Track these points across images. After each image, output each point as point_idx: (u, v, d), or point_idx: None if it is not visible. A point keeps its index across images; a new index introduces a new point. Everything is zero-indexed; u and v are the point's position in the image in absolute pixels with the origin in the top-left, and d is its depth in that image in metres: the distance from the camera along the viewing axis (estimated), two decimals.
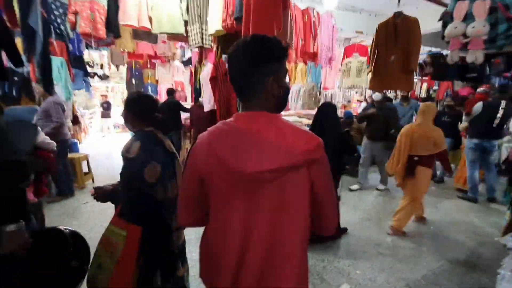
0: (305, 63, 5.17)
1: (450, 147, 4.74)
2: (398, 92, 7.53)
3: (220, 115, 3.91)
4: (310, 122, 5.56)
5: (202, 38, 3.88)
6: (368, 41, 5.99)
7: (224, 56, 3.83)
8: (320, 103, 6.29)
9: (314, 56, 5.13)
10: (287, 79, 0.96)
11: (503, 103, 3.76)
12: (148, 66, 8.34)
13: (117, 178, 1.57)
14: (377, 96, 4.51)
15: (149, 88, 8.34)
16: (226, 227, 0.87)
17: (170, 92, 5.09)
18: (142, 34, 4.49)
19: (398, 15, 3.35)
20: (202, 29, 3.83)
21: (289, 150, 0.80)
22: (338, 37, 5.48)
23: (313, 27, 4.80)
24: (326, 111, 2.95)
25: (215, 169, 0.86)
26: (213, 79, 3.84)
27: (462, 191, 4.34)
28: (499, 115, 3.71)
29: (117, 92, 12.87)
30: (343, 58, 5.59)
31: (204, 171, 0.89)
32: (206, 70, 4.02)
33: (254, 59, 0.85)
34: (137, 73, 8.33)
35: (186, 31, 3.94)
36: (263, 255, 0.83)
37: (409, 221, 3.20)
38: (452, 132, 4.74)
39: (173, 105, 5.00)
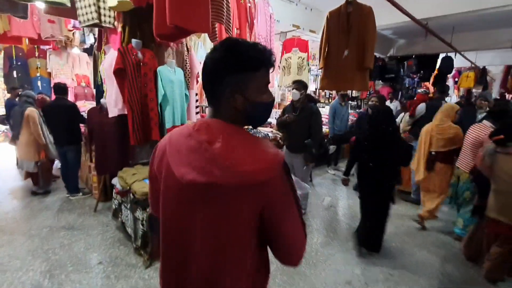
0: None
1: None
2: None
3: (133, 122, 2.83)
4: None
5: (98, 13, 2.71)
6: (304, 36, 5.59)
7: (134, 41, 2.76)
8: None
9: None
10: (266, 93, 0.80)
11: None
12: (36, 54, 6.37)
13: None
14: (295, 95, 3.20)
15: (39, 83, 6.38)
16: (166, 231, 0.86)
17: (60, 89, 3.62)
18: (2, 4, 3.00)
19: (350, 2, 2.86)
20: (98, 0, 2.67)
21: (231, 167, 0.70)
22: (276, 30, 4.89)
23: (249, 14, 4.08)
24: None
25: (165, 171, 0.82)
26: (119, 72, 2.73)
27: (405, 193, 4.28)
28: None
29: None
30: (282, 53, 5.06)
31: (158, 169, 0.87)
32: (108, 60, 2.86)
33: (215, 65, 0.77)
34: (19, 63, 6.27)
35: (74, 1, 2.71)
36: (206, 269, 0.80)
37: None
38: None
39: (64, 108, 3.57)
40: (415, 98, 4.69)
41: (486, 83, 10.39)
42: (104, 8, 2.71)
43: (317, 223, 3.49)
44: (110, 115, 2.99)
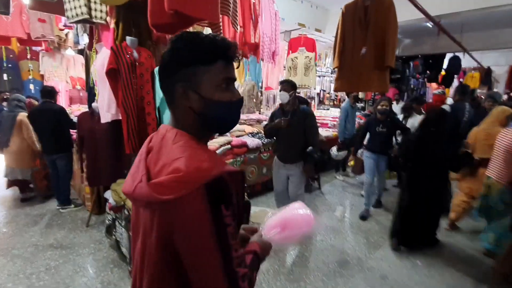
0: (245, 57, 4.13)
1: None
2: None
3: (128, 128, 2.54)
4: (253, 129, 4.63)
5: (88, 8, 2.42)
6: (310, 35, 5.33)
7: (129, 39, 2.47)
8: (263, 104, 5.44)
9: (255, 49, 4.15)
10: (227, 91, 0.71)
11: (467, 106, 3.48)
12: (28, 56, 6.09)
13: None
14: (283, 96, 2.71)
15: (31, 86, 6.10)
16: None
17: (46, 92, 3.30)
18: None
19: None
20: None
21: (144, 178, 0.63)
22: (280, 29, 4.62)
23: (253, 11, 3.80)
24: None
25: None
26: (112, 73, 2.44)
27: None
28: (465, 118, 3.42)
29: None
30: (288, 52, 4.79)
31: None
32: (100, 59, 2.57)
33: (166, 59, 0.70)
34: (10, 65, 5.99)
35: None
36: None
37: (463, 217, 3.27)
38: (387, 146, 3.52)
39: (51, 113, 3.26)
40: (429, 100, 4.41)
41: (490, 83, 10.24)
42: (95, 2, 2.43)
43: (333, 239, 3.19)
44: (103, 120, 2.70)
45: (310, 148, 2.72)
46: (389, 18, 2.53)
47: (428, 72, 8.39)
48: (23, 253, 2.68)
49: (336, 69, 2.86)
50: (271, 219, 0.87)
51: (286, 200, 2.84)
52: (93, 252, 2.72)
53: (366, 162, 3.62)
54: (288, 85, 2.74)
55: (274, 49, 4.39)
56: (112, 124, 2.66)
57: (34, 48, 5.84)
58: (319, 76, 7.44)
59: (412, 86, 9.35)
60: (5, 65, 5.83)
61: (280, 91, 2.79)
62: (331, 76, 7.01)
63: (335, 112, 6.54)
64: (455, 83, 10.92)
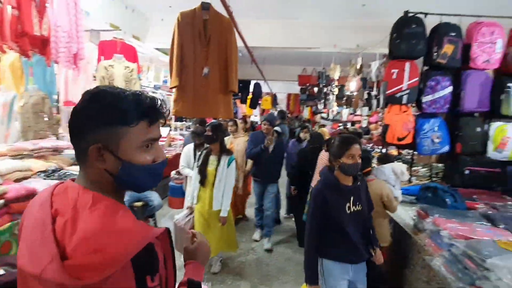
0: (25, 56, 2.67)
1: None
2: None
3: None
4: (50, 164, 3.04)
5: None
6: (128, 42, 4.41)
7: None
8: (62, 125, 3.79)
9: (42, 45, 2.79)
10: (150, 152, 0.66)
11: (286, 127, 3.96)
12: None
13: None
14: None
15: None
16: None
17: None
18: None
19: (206, 7, 2.26)
20: None
21: (57, 257, 0.52)
22: (85, 26, 3.43)
23: None
24: None
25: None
26: None
27: None
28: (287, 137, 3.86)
29: None
30: (99, 58, 3.63)
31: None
32: None
33: (77, 117, 0.63)
34: None
35: None
36: None
37: None
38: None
39: None
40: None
41: (276, 105, 13.41)
42: None
43: None
44: None
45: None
46: (231, 39, 2.32)
47: (239, 94, 9.58)
48: None
49: (174, 89, 2.31)
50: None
51: None
52: None
53: None
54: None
55: (77, 51, 3.17)
56: None
57: None
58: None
59: None
60: None
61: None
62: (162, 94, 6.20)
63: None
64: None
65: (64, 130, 3.70)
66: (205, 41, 2.24)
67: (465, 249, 1.50)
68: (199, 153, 2.81)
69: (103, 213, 0.57)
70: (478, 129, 2.70)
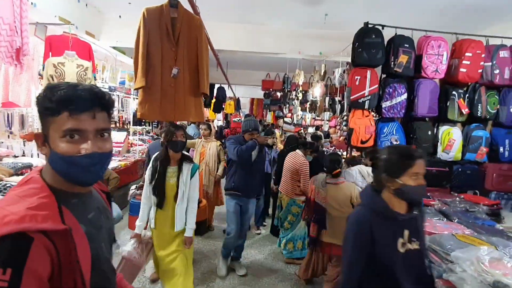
0: None
1: None
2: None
3: None
4: None
5: None
6: (81, 38, 4.03)
7: None
8: (1, 130, 3.28)
9: None
10: (69, 143, 0.68)
11: None
12: None
13: None
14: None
15: None
16: None
17: None
18: None
19: (175, 5, 2.16)
20: None
21: None
22: (30, 18, 3.04)
23: None
24: None
25: None
26: None
27: None
28: None
29: None
30: (46, 54, 3.25)
31: None
32: None
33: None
34: None
35: None
36: None
37: None
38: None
39: None
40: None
41: (239, 109, 13.43)
42: None
43: None
44: None
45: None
46: (201, 39, 2.24)
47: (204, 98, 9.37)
48: None
49: (139, 90, 2.15)
50: None
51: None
52: None
53: None
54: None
55: (20, 46, 2.79)
56: None
57: None
58: None
59: None
60: None
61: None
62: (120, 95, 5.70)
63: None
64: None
65: (3, 135, 3.23)
66: (173, 40, 2.13)
67: (429, 243, 1.62)
68: (149, 166, 2.14)
69: (17, 192, 0.64)
70: (429, 132, 2.98)
